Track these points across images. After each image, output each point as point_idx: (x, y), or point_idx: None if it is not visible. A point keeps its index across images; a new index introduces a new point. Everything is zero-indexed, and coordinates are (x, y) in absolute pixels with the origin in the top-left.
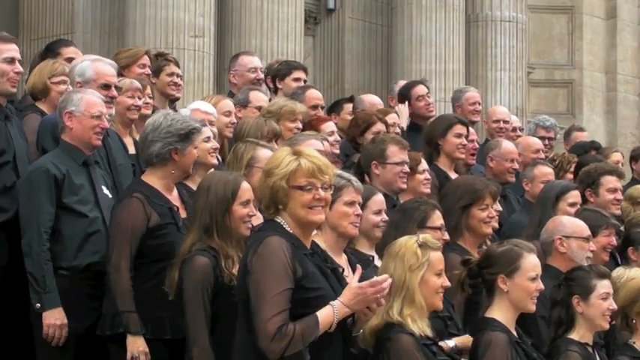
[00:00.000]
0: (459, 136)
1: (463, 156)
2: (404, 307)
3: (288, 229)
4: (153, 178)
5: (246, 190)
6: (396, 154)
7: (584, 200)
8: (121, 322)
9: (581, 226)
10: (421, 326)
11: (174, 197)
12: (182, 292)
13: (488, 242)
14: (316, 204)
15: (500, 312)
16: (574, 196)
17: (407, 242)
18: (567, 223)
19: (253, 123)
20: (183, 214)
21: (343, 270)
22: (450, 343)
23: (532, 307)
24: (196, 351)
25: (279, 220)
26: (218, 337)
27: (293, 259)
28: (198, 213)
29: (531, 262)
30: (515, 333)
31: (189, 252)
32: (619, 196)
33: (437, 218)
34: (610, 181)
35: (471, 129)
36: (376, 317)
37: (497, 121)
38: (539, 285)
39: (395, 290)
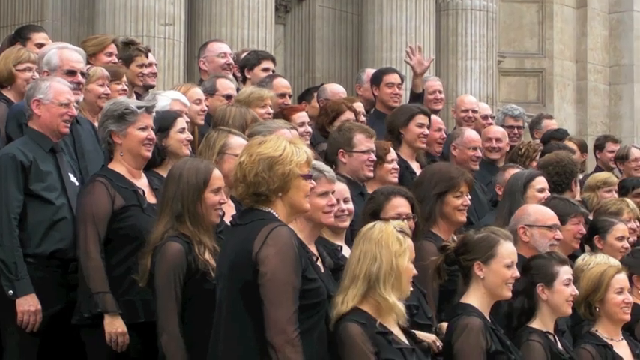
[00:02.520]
0: (421, 126)
1: (424, 146)
2: (392, 292)
3: (279, 218)
4: (116, 165)
5: (217, 177)
6: (363, 142)
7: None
8: (96, 303)
9: (544, 215)
10: (399, 311)
11: (142, 183)
12: (153, 278)
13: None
14: (308, 193)
15: (475, 298)
16: (541, 182)
17: (387, 228)
18: (531, 211)
19: (237, 111)
20: (151, 199)
21: (317, 258)
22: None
23: (508, 294)
24: (165, 337)
25: (267, 210)
26: (188, 323)
27: (299, 250)
28: (170, 200)
29: (507, 249)
30: (489, 320)
31: (161, 239)
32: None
33: (390, 208)
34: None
35: (438, 119)
36: (351, 302)
37: (467, 110)
38: (515, 272)
39: (384, 276)
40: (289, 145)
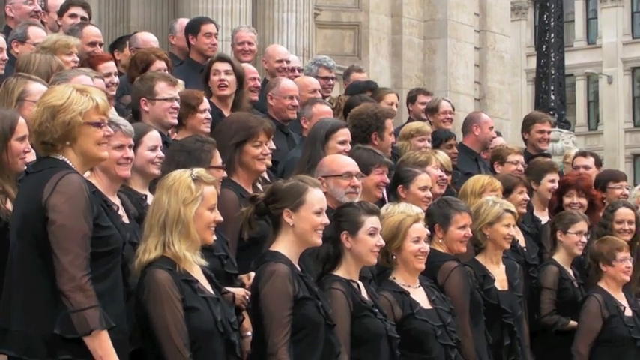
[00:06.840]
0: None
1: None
2: (181, 241)
3: (73, 166)
4: None
5: (23, 125)
6: (165, 90)
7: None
8: None
9: (337, 164)
10: (195, 259)
11: None
12: None
13: (269, 178)
14: (105, 141)
15: (284, 246)
16: (344, 134)
17: (181, 176)
18: (327, 162)
19: (43, 58)
20: None
21: (118, 208)
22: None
23: (318, 241)
24: None
25: (61, 158)
26: None
27: (91, 197)
28: None
29: (317, 196)
30: (298, 267)
31: None
32: (393, 139)
33: (218, 157)
34: (391, 124)
35: (250, 67)
36: (154, 251)
37: (281, 60)
38: (325, 219)
39: (170, 224)
40: (76, 92)
